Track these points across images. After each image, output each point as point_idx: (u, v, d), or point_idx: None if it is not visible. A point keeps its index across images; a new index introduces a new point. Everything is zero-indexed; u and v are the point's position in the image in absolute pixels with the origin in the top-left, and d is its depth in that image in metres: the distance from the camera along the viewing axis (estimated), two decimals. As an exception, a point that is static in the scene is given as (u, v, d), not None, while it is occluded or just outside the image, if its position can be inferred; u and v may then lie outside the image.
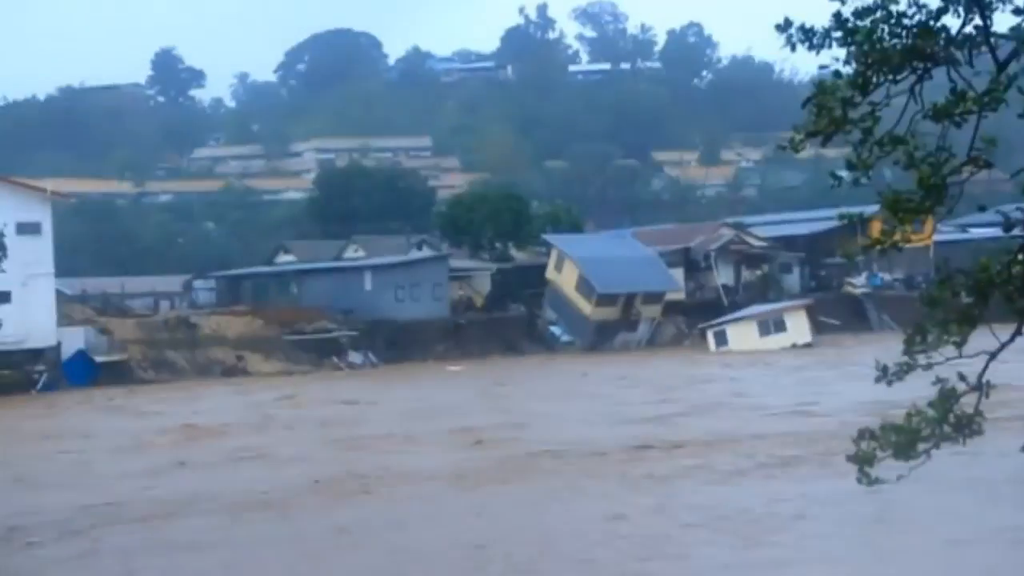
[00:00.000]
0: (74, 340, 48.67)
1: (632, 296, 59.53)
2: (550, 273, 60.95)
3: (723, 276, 65.03)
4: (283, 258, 74.28)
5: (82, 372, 47.88)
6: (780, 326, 53.70)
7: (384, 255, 66.35)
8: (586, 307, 58.62)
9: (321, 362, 53.95)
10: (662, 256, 62.58)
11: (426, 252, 69.91)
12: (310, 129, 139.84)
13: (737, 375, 40.52)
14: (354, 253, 71.45)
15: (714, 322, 55.65)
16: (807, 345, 52.19)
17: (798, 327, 53.36)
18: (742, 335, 53.74)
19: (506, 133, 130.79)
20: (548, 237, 63.30)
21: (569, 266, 59.67)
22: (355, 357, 54.92)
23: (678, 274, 62.94)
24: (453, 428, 27.78)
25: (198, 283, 65.33)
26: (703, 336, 55.48)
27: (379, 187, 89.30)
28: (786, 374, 39.92)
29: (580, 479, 19.81)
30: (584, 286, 58.71)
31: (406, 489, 19.55)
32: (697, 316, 62.32)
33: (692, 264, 64.96)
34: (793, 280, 67.89)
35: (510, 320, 60.83)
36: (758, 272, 66.72)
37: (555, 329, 59.88)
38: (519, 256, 67.39)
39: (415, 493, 19.15)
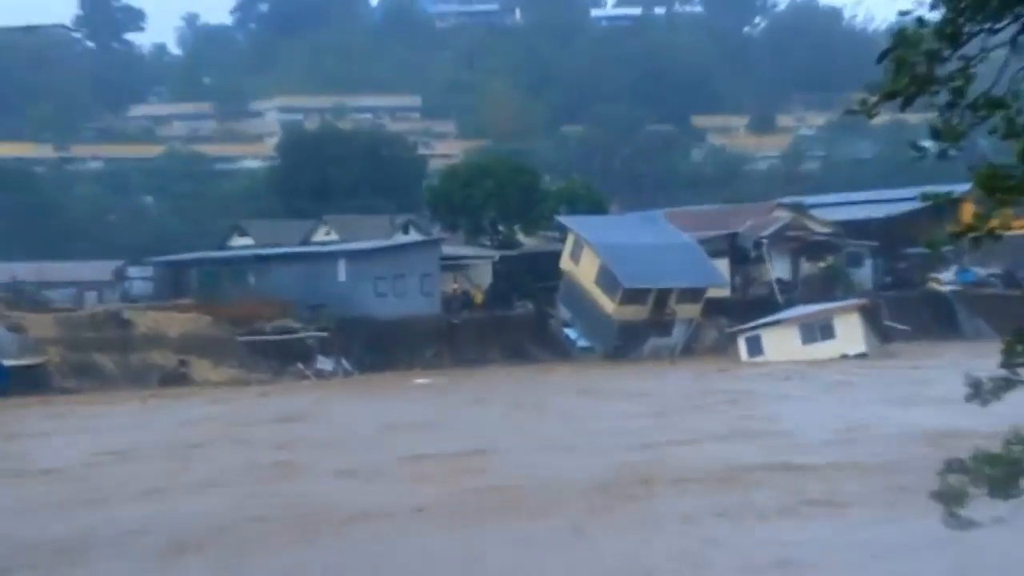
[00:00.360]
0: (-22, 339, 48.82)
1: (665, 292, 59.59)
2: (565, 263, 61.01)
3: (777, 269, 65.04)
4: (238, 241, 74.42)
5: (-13, 378, 47.91)
6: (828, 332, 53.55)
7: (362, 239, 66.37)
8: (609, 305, 58.68)
9: (283, 369, 54.07)
10: (703, 244, 62.63)
11: (414, 236, 69.94)
12: (273, 84, 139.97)
13: (774, 390, 40.51)
14: (325, 236, 71.53)
15: (748, 325, 55.64)
16: (861, 355, 52.08)
17: (850, 333, 53.18)
18: (781, 342, 53.77)
19: (513, 91, 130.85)
20: (563, 219, 63.37)
21: (588, 255, 59.72)
22: (325, 364, 55.02)
23: (722, 266, 62.99)
24: (405, 455, 27.66)
25: (133, 271, 65.54)
26: (735, 341, 55.54)
27: (357, 156, 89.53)
28: (828, 391, 39.83)
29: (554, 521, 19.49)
30: (606, 279, 58.77)
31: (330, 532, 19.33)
32: (744, 317, 62.28)
33: (739, 254, 65.00)
34: (864, 274, 67.92)
35: (516, 320, 60.96)
36: (821, 264, 66.75)
37: (570, 332, 59.98)
38: (527, 242, 67.45)
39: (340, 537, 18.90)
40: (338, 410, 40.13)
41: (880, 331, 55.82)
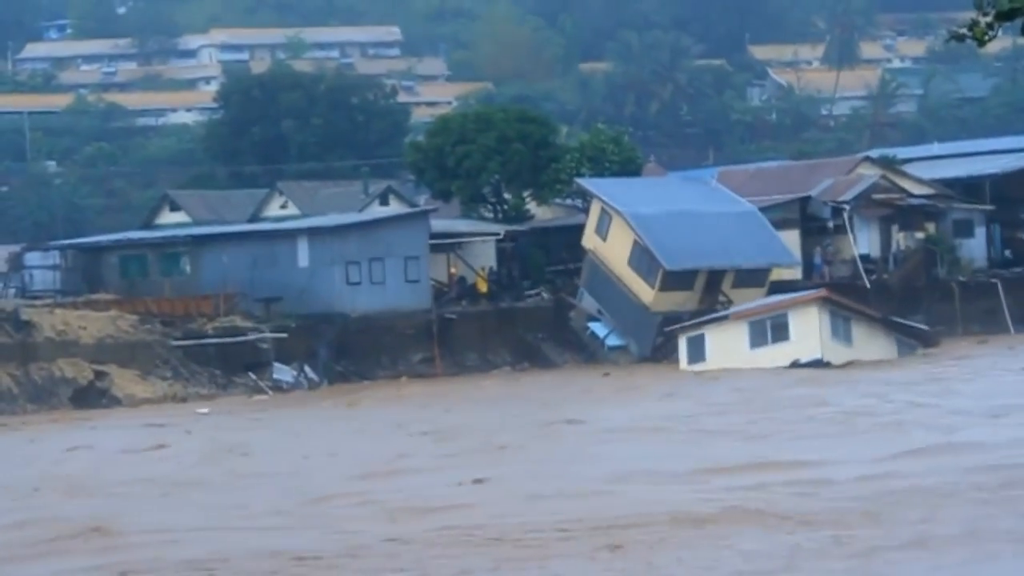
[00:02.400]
0: None
1: (718, 274, 59.63)
2: (589, 239, 61.04)
3: (863, 242, 65.01)
4: (169, 218, 74.50)
5: None
6: (781, 332, 53.31)
7: (328, 212, 66.36)
8: (646, 292, 58.71)
9: (231, 380, 54.20)
10: (765, 212, 62.62)
11: (395, 207, 69.94)
12: (210, 15, 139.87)
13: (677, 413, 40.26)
14: (281, 210, 71.58)
15: (693, 322, 55.57)
16: (816, 363, 51.79)
17: (805, 333, 52.88)
18: (726, 345, 53.66)
19: (518, 19, 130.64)
20: (585, 183, 63.38)
21: (619, 228, 59.73)
22: (283, 373, 55.12)
23: (791, 239, 62.98)
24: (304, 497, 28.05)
25: (32, 257, 65.41)
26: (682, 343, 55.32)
27: (319, 105, 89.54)
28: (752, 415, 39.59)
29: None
30: (643, 260, 58.80)
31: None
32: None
33: (813, 223, 64.98)
34: (975, 247, 67.89)
35: (527, 313, 61.06)
36: (919, 235, 66.73)
37: (597, 327, 60.03)
38: (540, 213, 67.48)
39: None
40: (294, 442, 39.74)
41: (889, 330, 55.09)
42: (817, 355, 52.53)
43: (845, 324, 54.18)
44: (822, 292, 55.50)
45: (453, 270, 61.77)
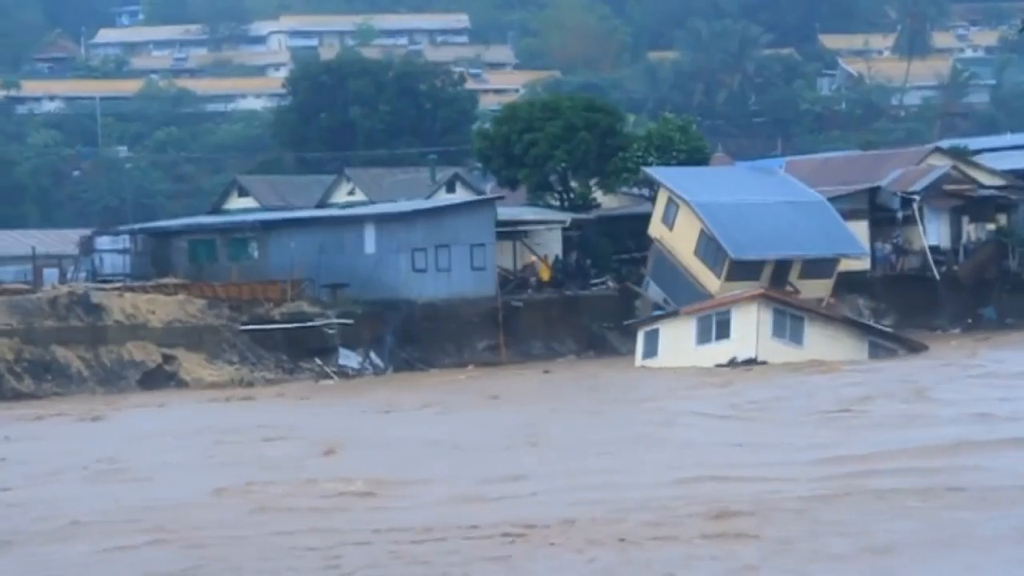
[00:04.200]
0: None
1: (785, 265, 59.38)
2: (655, 228, 61.01)
3: (933, 234, 64.63)
4: (238, 202, 75.05)
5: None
6: (724, 329, 52.33)
7: (394, 199, 66.59)
8: (712, 282, 58.57)
9: (297, 365, 54.51)
10: (834, 201, 62.32)
11: (461, 195, 70.08)
12: (280, 1, 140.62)
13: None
14: (348, 196, 71.92)
15: (647, 318, 54.99)
16: (750, 362, 50.80)
17: (744, 331, 51.96)
18: (676, 341, 52.77)
19: (587, 6, 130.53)
20: (652, 172, 63.27)
21: (686, 217, 59.66)
22: (349, 359, 55.36)
23: (860, 230, 62.68)
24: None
25: (103, 241, 65.97)
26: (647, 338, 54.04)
27: (387, 92, 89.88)
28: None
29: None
30: (709, 249, 58.68)
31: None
32: (890, 296, 61.74)
33: (882, 214, 64.65)
34: (1049, 240, 67.31)
35: (593, 302, 61.01)
36: (990, 227, 66.26)
37: (664, 316, 60.02)
38: (606, 202, 67.44)
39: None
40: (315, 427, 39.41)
41: (864, 335, 53.49)
42: (751, 353, 51.42)
43: (795, 323, 52.55)
44: (760, 290, 54.08)
45: (533, 258, 61.73)
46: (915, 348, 54.00)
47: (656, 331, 53.74)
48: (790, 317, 52.71)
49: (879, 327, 55.55)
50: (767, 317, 52.31)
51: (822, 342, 52.46)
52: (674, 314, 54.24)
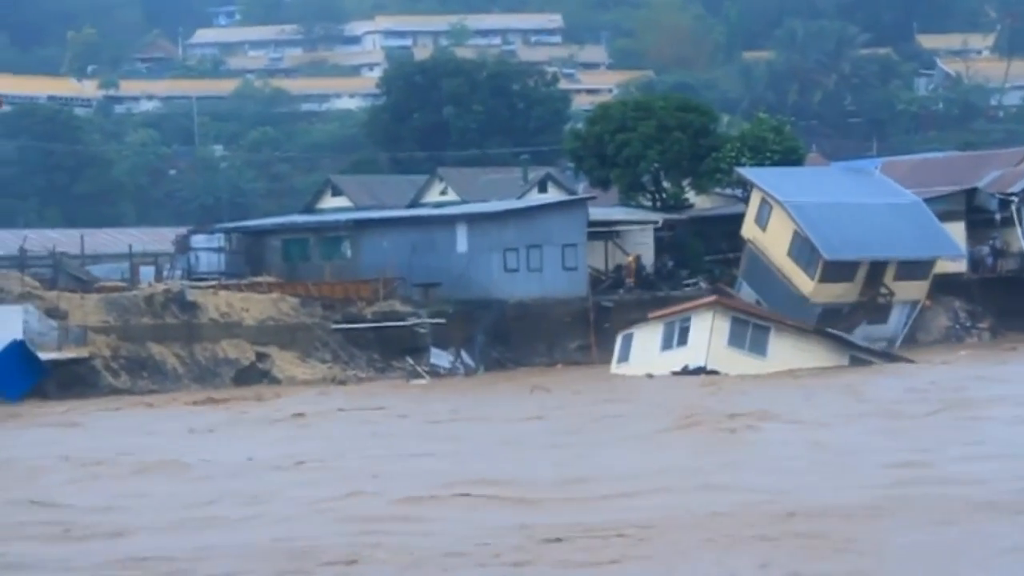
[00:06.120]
0: (7, 325, 49.37)
1: (880, 266, 59.07)
2: (748, 229, 60.83)
3: (1033, 236, 63.95)
4: (331, 202, 75.58)
5: (18, 376, 48.35)
6: (684, 336, 51.03)
7: (487, 198, 66.73)
8: (806, 283, 58.39)
9: (389, 364, 54.80)
10: (930, 203, 61.90)
11: (553, 195, 70.11)
12: (375, 2, 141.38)
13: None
14: (441, 195, 72.19)
15: (631, 321, 53.99)
16: (700, 371, 49.45)
17: (699, 338, 50.53)
18: (646, 346, 51.88)
19: (681, 6, 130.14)
20: (745, 172, 63.09)
21: (779, 218, 59.45)
22: (440, 358, 55.59)
23: (956, 232, 62.17)
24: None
25: (198, 240, 66.61)
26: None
27: (480, 92, 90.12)
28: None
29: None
30: (803, 250, 58.47)
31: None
32: (987, 299, 61.09)
33: (980, 216, 64.04)
34: None
35: (685, 303, 60.87)
36: (1092, 230, 65.47)
37: (756, 317, 59.79)
38: (699, 202, 67.25)
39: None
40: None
41: (833, 343, 51.82)
42: (701, 362, 50.10)
43: (757, 333, 50.85)
44: (713, 297, 52.94)
45: (630, 258, 61.61)
46: (889, 358, 52.62)
47: (631, 336, 52.93)
48: (752, 327, 50.99)
49: (843, 336, 53.17)
50: (723, 325, 50.60)
51: (788, 353, 50.81)
52: (648, 321, 52.80)
